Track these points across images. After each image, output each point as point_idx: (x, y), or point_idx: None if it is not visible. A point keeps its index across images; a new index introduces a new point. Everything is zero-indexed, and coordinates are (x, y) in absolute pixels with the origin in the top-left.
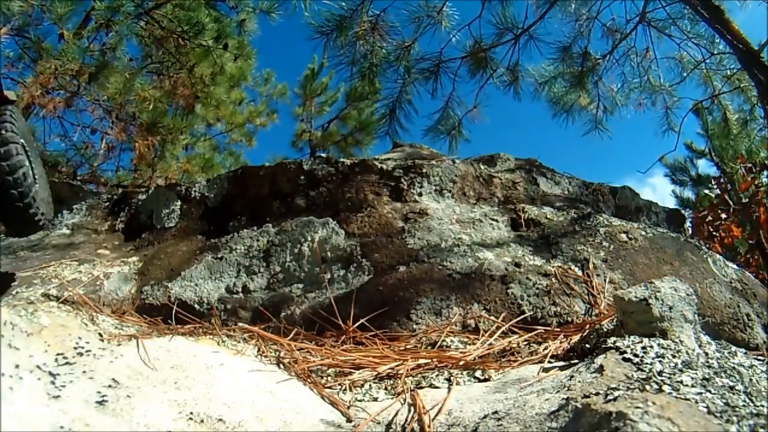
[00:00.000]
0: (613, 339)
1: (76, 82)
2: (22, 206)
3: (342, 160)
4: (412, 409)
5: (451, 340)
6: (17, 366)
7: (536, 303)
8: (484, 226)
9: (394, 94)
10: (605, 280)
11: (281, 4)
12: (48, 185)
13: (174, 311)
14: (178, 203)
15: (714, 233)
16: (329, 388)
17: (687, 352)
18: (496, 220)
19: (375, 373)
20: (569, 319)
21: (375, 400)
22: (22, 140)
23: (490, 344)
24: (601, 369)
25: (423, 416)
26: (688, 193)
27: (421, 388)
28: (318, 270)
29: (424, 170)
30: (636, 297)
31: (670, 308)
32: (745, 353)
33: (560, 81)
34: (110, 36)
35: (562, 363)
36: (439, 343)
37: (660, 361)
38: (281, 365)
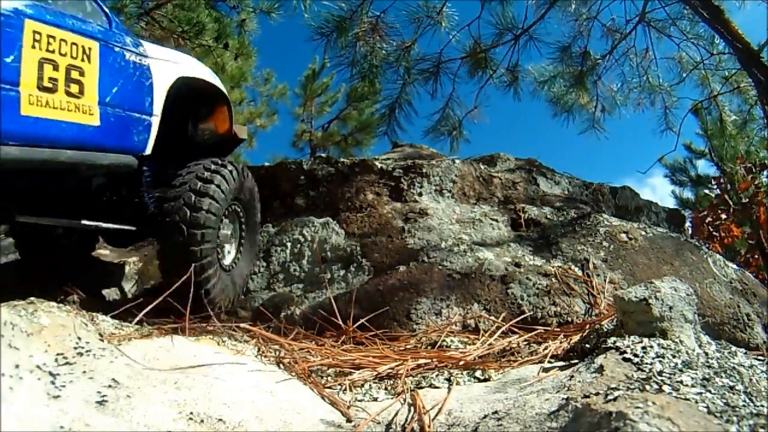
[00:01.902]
0: (613, 339)
1: None
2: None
3: (342, 160)
4: (412, 409)
5: (451, 340)
6: (17, 366)
7: (536, 303)
8: (484, 226)
9: (394, 94)
10: (605, 280)
11: (282, 4)
12: (250, 263)
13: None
14: None
15: (714, 233)
16: (329, 388)
17: (687, 352)
18: (496, 220)
19: (375, 373)
20: (569, 319)
21: (375, 400)
22: (220, 216)
23: (490, 344)
24: (601, 369)
25: (423, 416)
26: (688, 194)
27: (421, 388)
28: (318, 270)
29: (424, 170)
30: (636, 297)
31: (670, 308)
32: (745, 353)
33: (560, 81)
34: None
35: (562, 363)
36: (439, 343)
37: (660, 361)
38: (281, 365)
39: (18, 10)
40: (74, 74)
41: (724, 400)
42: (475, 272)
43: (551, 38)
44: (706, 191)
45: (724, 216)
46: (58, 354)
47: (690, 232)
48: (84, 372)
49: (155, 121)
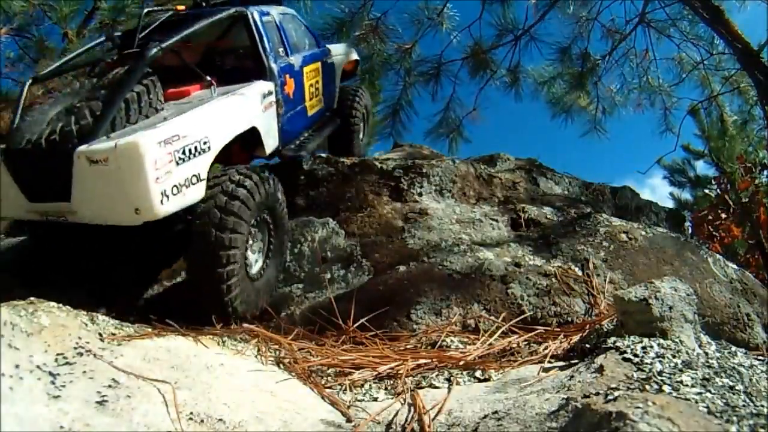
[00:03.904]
0: (613, 339)
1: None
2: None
3: (342, 160)
4: (412, 409)
5: (451, 340)
6: (17, 366)
7: (536, 303)
8: (484, 226)
9: (395, 96)
10: (605, 280)
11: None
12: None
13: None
14: None
15: (714, 233)
16: (329, 388)
17: (687, 352)
18: (496, 220)
19: (375, 373)
20: (569, 319)
21: (375, 400)
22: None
23: (490, 344)
24: (601, 369)
25: (423, 416)
26: (686, 195)
27: (421, 388)
28: (318, 270)
29: (424, 170)
30: (636, 297)
31: (670, 308)
32: (745, 353)
33: (560, 82)
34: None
35: (562, 363)
36: (439, 343)
37: (660, 361)
38: (281, 365)
39: (300, 64)
40: (316, 86)
41: (724, 400)
42: (475, 272)
43: (551, 39)
44: (706, 191)
45: (724, 216)
46: (58, 354)
47: (690, 232)
48: (84, 372)
49: (337, 89)
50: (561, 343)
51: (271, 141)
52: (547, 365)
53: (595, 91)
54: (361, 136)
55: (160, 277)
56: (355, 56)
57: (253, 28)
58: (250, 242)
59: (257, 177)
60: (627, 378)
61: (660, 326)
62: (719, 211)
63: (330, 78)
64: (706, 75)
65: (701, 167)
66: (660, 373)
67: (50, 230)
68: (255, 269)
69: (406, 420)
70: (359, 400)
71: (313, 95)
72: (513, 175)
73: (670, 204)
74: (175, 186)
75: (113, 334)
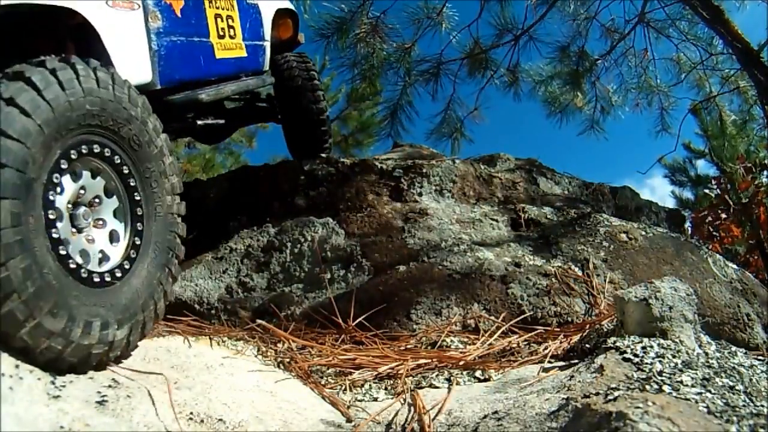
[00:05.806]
0: (613, 339)
1: None
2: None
3: (342, 160)
4: (412, 409)
5: (451, 340)
6: (17, 366)
7: (536, 303)
8: (484, 226)
9: (395, 96)
10: (605, 280)
11: None
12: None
13: (174, 311)
14: None
15: (714, 233)
16: (329, 388)
17: (687, 352)
18: (496, 220)
19: (375, 373)
20: (569, 319)
21: (375, 400)
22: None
23: (490, 344)
24: (601, 369)
25: (423, 416)
26: (687, 194)
27: (421, 388)
28: (318, 270)
29: (424, 170)
30: (636, 297)
31: (670, 308)
32: (745, 353)
33: (557, 81)
34: None
35: (562, 363)
36: (439, 343)
37: (660, 361)
38: (281, 365)
39: None
40: (229, 21)
41: (724, 400)
42: (475, 272)
43: (551, 38)
44: (706, 191)
45: (724, 216)
46: None
47: (690, 232)
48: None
49: (267, 45)
50: (561, 343)
51: (129, 62)
52: (547, 365)
53: (593, 91)
54: (322, 107)
55: None
56: (286, 4)
57: None
58: (68, 202)
59: (57, 63)
60: (627, 378)
61: (660, 326)
62: (719, 211)
63: (254, 23)
64: (705, 76)
65: (702, 166)
66: (660, 373)
67: None
68: (110, 261)
69: (406, 420)
70: (359, 400)
71: (225, 33)
72: (513, 175)
73: (671, 203)
74: None
75: None
